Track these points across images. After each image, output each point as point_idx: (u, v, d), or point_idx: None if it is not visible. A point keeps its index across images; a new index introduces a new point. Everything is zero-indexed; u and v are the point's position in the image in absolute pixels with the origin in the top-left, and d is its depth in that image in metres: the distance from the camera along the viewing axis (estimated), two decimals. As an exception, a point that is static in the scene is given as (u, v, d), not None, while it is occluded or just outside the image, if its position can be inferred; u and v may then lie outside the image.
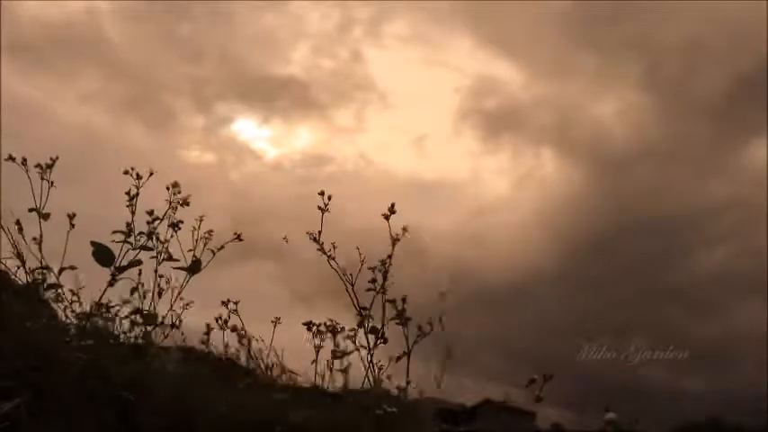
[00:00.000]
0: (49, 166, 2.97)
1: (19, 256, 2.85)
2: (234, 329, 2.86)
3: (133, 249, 2.80)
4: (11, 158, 2.93)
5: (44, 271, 2.83)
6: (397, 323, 2.61)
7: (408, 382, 2.67)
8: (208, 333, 2.91)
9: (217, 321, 2.90)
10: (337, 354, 2.63)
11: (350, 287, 2.70)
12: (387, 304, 2.64)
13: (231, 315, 2.88)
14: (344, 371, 2.65)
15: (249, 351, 2.93)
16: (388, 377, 2.65)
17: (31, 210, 2.91)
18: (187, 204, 2.94)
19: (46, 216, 2.92)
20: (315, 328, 2.75)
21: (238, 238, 3.01)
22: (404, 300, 2.63)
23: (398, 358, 2.62)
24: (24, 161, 2.96)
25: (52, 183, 2.95)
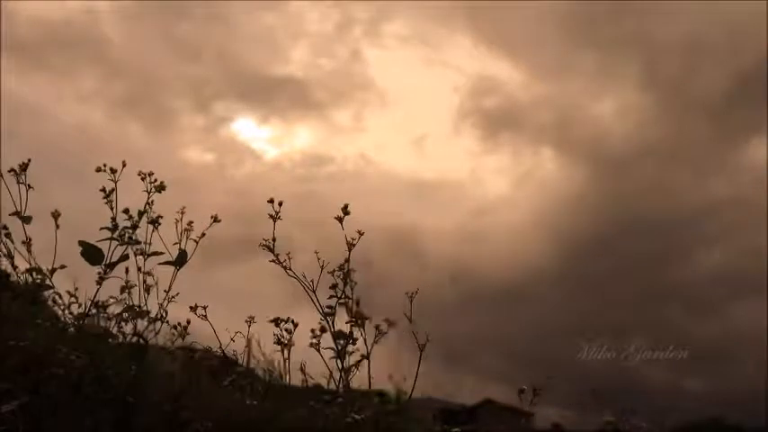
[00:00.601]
0: (23, 170, 2.92)
1: (10, 258, 2.85)
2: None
3: (120, 245, 2.79)
4: None
5: (37, 273, 2.82)
6: (353, 324, 2.55)
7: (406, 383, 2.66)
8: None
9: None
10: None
11: (312, 293, 2.63)
12: (348, 307, 2.59)
13: (202, 320, 2.86)
14: (344, 371, 2.63)
15: (249, 351, 2.93)
16: (390, 376, 2.64)
17: (11, 214, 2.90)
18: (163, 189, 2.92)
19: (27, 219, 2.90)
20: (282, 324, 2.69)
21: (216, 220, 3.00)
22: (357, 302, 2.57)
23: (357, 363, 2.56)
24: None
25: (29, 186, 2.92)
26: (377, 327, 2.57)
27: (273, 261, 2.68)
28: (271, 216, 2.71)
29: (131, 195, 2.99)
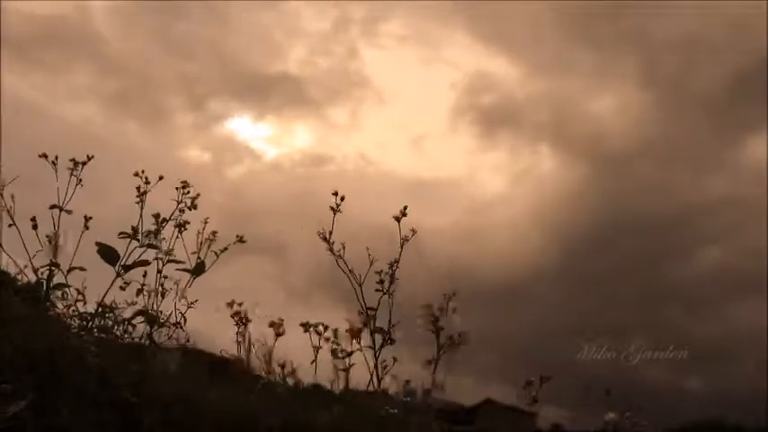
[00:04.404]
0: (84, 164, 3.00)
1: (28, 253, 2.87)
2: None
3: (140, 247, 2.82)
4: (44, 156, 2.97)
5: (52, 269, 2.85)
6: (432, 331, 2.63)
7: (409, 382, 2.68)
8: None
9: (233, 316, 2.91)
10: (339, 354, 2.63)
11: (358, 288, 2.71)
12: (392, 306, 2.65)
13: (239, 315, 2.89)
14: (346, 371, 2.66)
15: (250, 350, 2.94)
16: (393, 377, 2.66)
17: (52, 206, 2.94)
18: (195, 207, 2.96)
19: (68, 212, 2.95)
20: (312, 328, 2.74)
21: (241, 240, 3.04)
22: (441, 309, 2.63)
23: (429, 362, 2.62)
24: (56, 160, 2.99)
25: (80, 180, 2.97)
26: (450, 337, 2.66)
27: (329, 251, 2.75)
28: (332, 208, 2.78)
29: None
